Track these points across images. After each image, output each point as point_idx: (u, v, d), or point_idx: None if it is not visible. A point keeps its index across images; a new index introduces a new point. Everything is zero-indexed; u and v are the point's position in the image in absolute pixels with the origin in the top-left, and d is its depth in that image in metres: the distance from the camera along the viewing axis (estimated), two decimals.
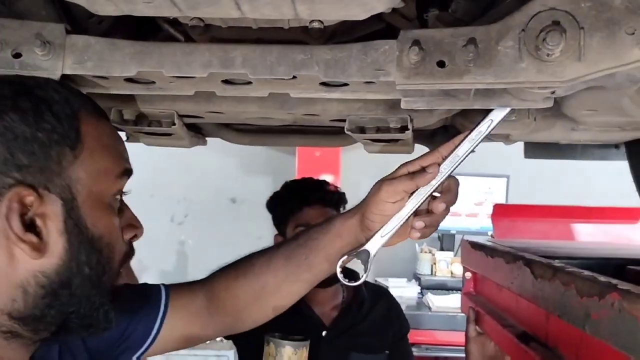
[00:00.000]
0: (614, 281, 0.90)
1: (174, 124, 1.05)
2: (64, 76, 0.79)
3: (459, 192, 0.88)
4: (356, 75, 0.74)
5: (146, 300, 0.91)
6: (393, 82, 0.73)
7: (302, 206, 1.56)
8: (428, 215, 0.85)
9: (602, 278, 0.92)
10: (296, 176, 3.77)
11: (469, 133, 0.84)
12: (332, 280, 1.59)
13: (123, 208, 0.74)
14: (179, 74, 0.76)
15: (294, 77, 0.76)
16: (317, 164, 3.72)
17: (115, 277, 0.71)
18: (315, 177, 1.74)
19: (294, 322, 1.46)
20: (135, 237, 0.75)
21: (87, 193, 0.66)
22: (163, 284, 0.96)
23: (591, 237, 1.93)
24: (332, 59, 0.74)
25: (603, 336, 0.86)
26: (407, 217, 0.88)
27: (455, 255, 3.60)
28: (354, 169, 4.01)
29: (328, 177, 3.87)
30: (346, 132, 1.03)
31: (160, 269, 3.75)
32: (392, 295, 1.79)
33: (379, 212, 0.85)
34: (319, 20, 0.77)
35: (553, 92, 0.73)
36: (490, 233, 3.24)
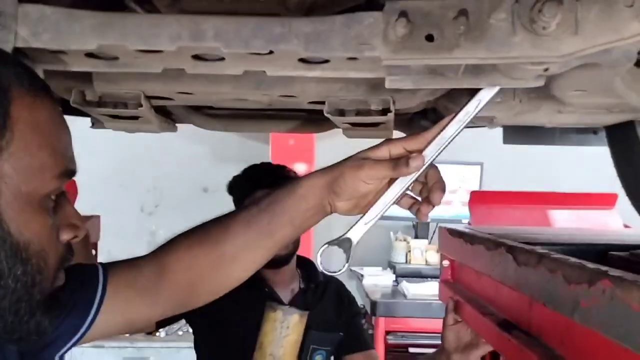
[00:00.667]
0: (604, 268, 0.87)
1: (141, 106, 0.98)
2: (16, 50, 0.71)
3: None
4: (339, 50, 0.68)
5: (79, 285, 0.80)
6: (378, 58, 0.68)
7: (254, 189, 1.59)
8: (427, 204, 0.82)
9: (591, 265, 0.90)
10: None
11: (456, 114, 0.80)
12: (289, 257, 1.64)
13: (62, 203, 0.63)
14: (145, 47, 0.70)
15: (271, 52, 0.70)
16: (291, 152, 3.66)
17: (51, 283, 0.62)
18: (284, 164, 1.79)
19: (256, 300, 1.55)
20: (76, 237, 0.65)
21: (13, 194, 0.55)
22: (101, 263, 0.87)
23: (567, 223, 1.92)
24: (313, 33, 0.68)
25: (593, 324, 0.84)
26: (390, 204, 0.84)
27: (429, 243, 3.60)
28: (329, 158, 3.92)
29: (302, 166, 3.83)
30: (325, 114, 0.97)
31: None
32: (339, 279, 1.88)
33: (352, 187, 0.81)
34: None
35: (546, 70, 0.69)
36: (464, 221, 3.25)
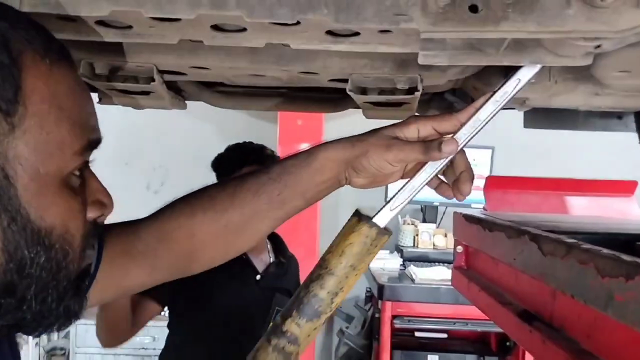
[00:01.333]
0: None
1: (153, 80, 0.93)
2: None
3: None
4: (372, 21, 0.62)
5: None
6: (414, 30, 0.62)
7: (242, 166, 1.76)
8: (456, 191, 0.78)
9: (627, 257, 0.85)
10: (278, 145, 3.65)
11: (493, 94, 0.75)
12: None
13: (87, 178, 0.59)
14: (161, 14, 0.64)
15: (298, 22, 0.64)
16: (299, 132, 3.59)
17: (78, 265, 0.58)
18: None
19: (234, 266, 1.55)
20: (103, 216, 0.61)
21: (30, 175, 0.51)
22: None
23: (585, 210, 1.87)
24: (344, 1, 0.62)
25: (629, 320, 0.79)
26: (418, 190, 0.80)
27: (438, 227, 3.56)
28: (340, 136, 3.90)
29: None
30: (348, 92, 0.92)
31: None
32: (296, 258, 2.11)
33: (376, 167, 0.77)
34: None
35: (598, 46, 0.63)
36: (473, 205, 3.20)
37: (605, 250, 0.94)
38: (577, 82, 0.93)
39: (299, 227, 3.40)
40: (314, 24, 0.65)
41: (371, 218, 0.80)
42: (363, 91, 0.96)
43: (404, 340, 3.04)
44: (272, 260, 1.95)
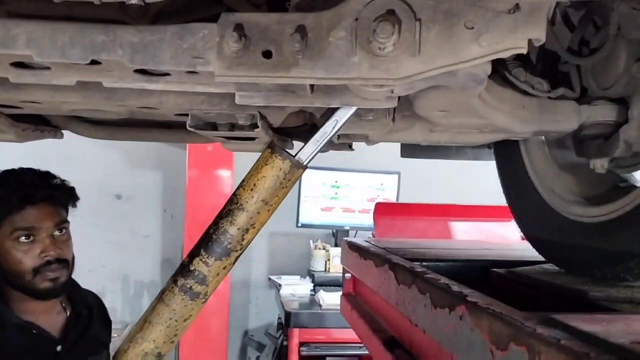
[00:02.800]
0: (467, 290, 0.86)
1: None
2: None
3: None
4: (170, 63, 0.62)
5: None
6: (212, 73, 0.63)
7: (23, 205, 1.24)
8: None
9: (457, 287, 0.88)
10: (187, 171, 3.58)
11: (312, 135, 0.77)
12: (64, 289, 1.32)
13: None
14: None
15: (96, 62, 0.63)
16: (210, 158, 3.54)
17: None
18: (40, 169, 1.38)
19: (26, 345, 1.26)
20: None
21: None
22: None
23: (467, 234, 1.96)
24: (141, 43, 0.62)
25: (456, 349, 0.82)
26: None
27: None
28: (250, 164, 3.88)
29: (223, 172, 3.73)
30: (188, 128, 0.91)
31: None
32: (97, 295, 1.60)
33: None
34: None
35: (392, 91, 0.66)
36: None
37: (442, 280, 0.97)
38: (414, 119, 0.97)
39: None
40: (116, 65, 0.64)
41: (286, 150, 0.75)
42: (213, 127, 0.96)
43: None
44: (68, 314, 1.41)
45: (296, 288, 3.32)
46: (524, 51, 0.62)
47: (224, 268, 0.77)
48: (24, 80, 0.70)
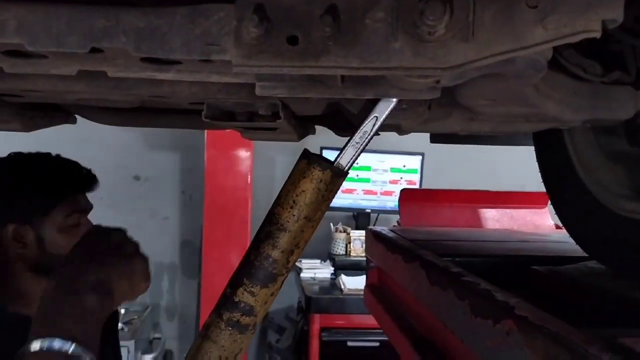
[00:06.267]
0: (513, 300, 0.78)
1: None
2: None
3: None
4: (180, 52, 0.54)
5: None
6: (229, 63, 0.54)
7: (77, 192, 1.28)
8: None
9: (501, 296, 0.80)
10: (205, 152, 3.51)
11: (351, 138, 0.68)
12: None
13: None
14: None
15: (97, 50, 0.55)
16: (228, 138, 3.46)
17: None
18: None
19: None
20: None
21: None
22: None
23: (498, 223, 1.86)
24: (147, 28, 0.53)
25: None
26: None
27: None
28: (269, 145, 3.80)
29: (242, 153, 3.66)
30: (204, 119, 0.83)
31: None
32: None
33: None
34: None
35: (438, 82, 0.57)
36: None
37: (482, 285, 0.89)
38: (452, 108, 0.87)
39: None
40: (120, 53, 0.56)
41: (323, 158, 0.68)
42: (231, 116, 0.87)
43: (333, 351, 2.98)
44: None
45: (317, 272, 3.27)
46: (598, 35, 0.52)
47: (272, 295, 0.69)
48: (19, 70, 0.62)
